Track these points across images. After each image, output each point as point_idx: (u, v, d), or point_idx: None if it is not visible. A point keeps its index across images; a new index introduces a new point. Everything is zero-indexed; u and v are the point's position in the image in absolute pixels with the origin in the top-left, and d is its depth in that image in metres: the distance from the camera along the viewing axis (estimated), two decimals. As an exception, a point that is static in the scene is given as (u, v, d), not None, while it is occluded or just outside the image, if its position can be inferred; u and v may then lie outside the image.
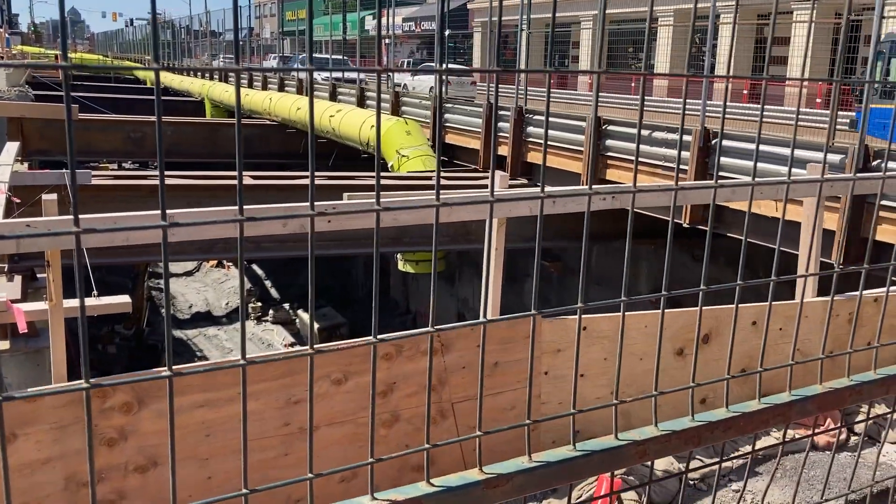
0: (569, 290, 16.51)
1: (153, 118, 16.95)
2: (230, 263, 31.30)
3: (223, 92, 27.42)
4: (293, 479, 1.63)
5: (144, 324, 23.24)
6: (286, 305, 27.36)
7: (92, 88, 28.61)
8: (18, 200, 7.86)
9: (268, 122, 22.58)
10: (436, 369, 5.02)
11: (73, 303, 4.75)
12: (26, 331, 4.76)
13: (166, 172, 15.83)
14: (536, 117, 14.66)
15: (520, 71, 1.32)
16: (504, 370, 5.15)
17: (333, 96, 22.23)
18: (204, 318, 27.05)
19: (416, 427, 4.98)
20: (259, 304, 27.26)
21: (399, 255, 16.18)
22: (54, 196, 4.12)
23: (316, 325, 24.34)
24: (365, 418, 4.87)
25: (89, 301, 4.75)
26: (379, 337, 1.29)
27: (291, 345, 25.16)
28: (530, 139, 14.70)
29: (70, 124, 0.85)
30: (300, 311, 25.60)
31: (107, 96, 26.54)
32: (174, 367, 1.05)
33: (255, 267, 31.44)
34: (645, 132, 12.02)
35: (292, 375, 4.65)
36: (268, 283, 30.29)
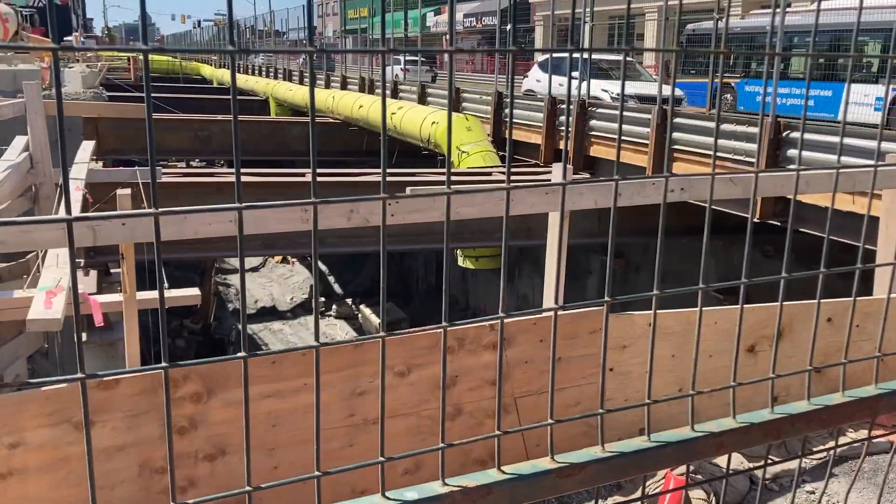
0: (633, 288, 16.27)
1: (220, 117, 17.31)
2: (295, 259, 31.83)
3: (287, 91, 27.86)
4: (362, 463, 1.63)
5: (212, 318, 23.80)
6: (349, 300, 27.69)
7: (161, 89, 29.44)
8: (91, 199, 8.11)
9: (330, 121, 22.84)
10: (497, 364, 4.99)
11: (147, 295, 4.89)
12: (102, 323, 4.91)
13: (231, 170, 16.07)
14: (599, 110, 14.47)
15: (589, 50, 1.29)
16: (568, 365, 5.10)
17: (395, 94, 22.36)
18: (269, 313, 27.58)
19: (478, 421, 4.97)
20: (322, 298, 27.66)
21: (458, 251, 16.17)
22: (128, 191, 4.23)
23: (376, 320, 24.61)
24: (428, 410, 4.89)
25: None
26: (450, 324, 1.28)
27: (326, 344, 25.38)
28: (593, 132, 14.52)
29: (149, 103, 0.86)
30: (363, 307, 25.86)
31: (176, 97, 27.24)
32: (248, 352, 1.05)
33: (318, 263, 31.85)
34: (713, 124, 11.75)
35: (357, 367, 4.69)
36: (331, 279, 30.70)
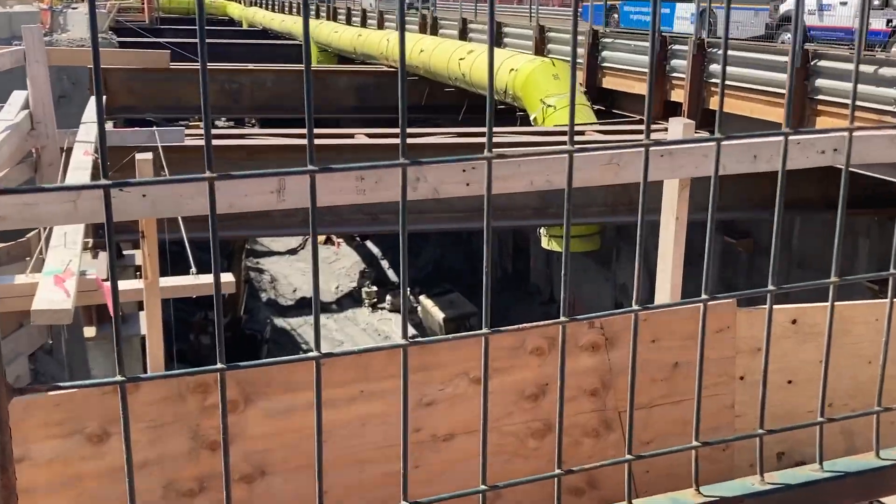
0: (763, 275, 15.91)
1: (252, 66, 17.54)
2: (340, 240, 32.18)
3: (332, 33, 28.04)
4: (442, 495, 1.61)
5: (242, 311, 24.28)
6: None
7: (181, 33, 30.00)
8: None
9: (385, 69, 22.91)
10: (597, 370, 4.95)
11: (170, 281, 4.98)
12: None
13: (270, 130, 16.26)
14: (721, 51, 14.14)
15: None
16: (687, 373, 5.01)
17: (464, 34, 22.27)
18: (310, 305, 27.86)
19: (573, 439, 4.93)
20: (374, 288, 27.93)
21: (543, 231, 16.10)
22: (149, 156, 4.31)
23: (440, 315, 24.76)
24: (511, 426, 4.86)
25: (188, 280, 4.97)
26: (493, 329, 1.24)
27: (412, 338, 25.58)
28: (714, 80, 14.20)
29: (203, 46, 0.84)
30: (423, 298, 26.00)
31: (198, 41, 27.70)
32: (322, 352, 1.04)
33: (369, 244, 32.20)
34: (867, 68, 11.35)
35: (425, 371, 4.68)
36: (384, 264, 30.95)
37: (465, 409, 4.74)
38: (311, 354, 1.07)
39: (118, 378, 0.95)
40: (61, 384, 1.04)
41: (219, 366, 1.00)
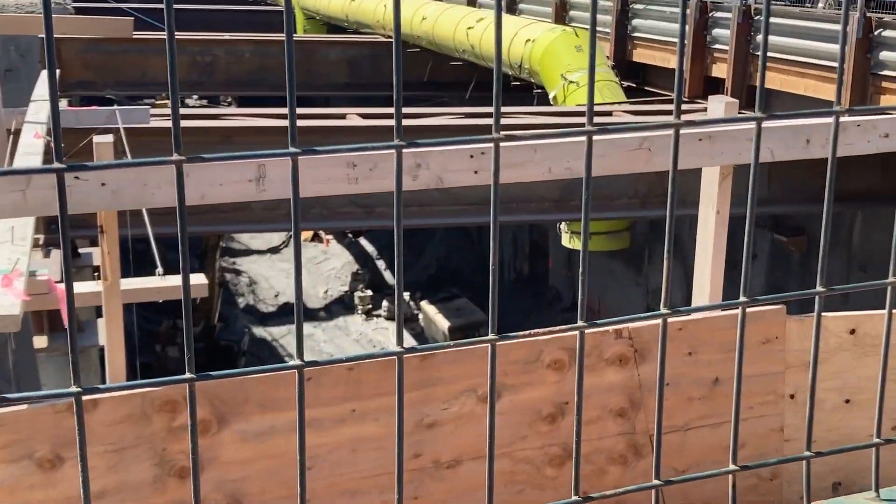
0: (816, 276, 15.90)
1: (228, 35, 17.52)
2: (329, 237, 32.24)
3: (320, -3, 28.06)
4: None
5: (216, 318, 24.33)
6: (406, 295, 27.91)
7: (147, -2, 30.04)
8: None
9: (381, 39, 22.92)
10: (626, 386, 4.97)
11: (133, 284, 5.00)
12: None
13: (248, 110, 16.33)
14: (772, 20, 14.13)
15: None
16: (729, 390, 5.01)
17: (473, 1, 22.30)
18: (294, 311, 28.02)
19: (597, 467, 4.95)
20: (368, 292, 27.97)
21: (563, 226, 16.11)
22: (109, 138, 4.33)
23: (445, 324, 24.80)
24: (524, 451, 4.88)
25: (153, 282, 4.99)
26: (500, 336, 1.25)
27: (411, 349, 25.61)
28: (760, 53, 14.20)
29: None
30: (425, 304, 26.03)
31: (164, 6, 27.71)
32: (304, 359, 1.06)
33: (363, 241, 32.25)
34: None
35: (426, 387, 4.70)
36: (380, 265, 30.99)
37: (472, 431, 4.75)
38: (292, 363, 1.09)
39: (73, 389, 0.97)
40: (8, 395, 1.05)
41: (188, 375, 1.02)
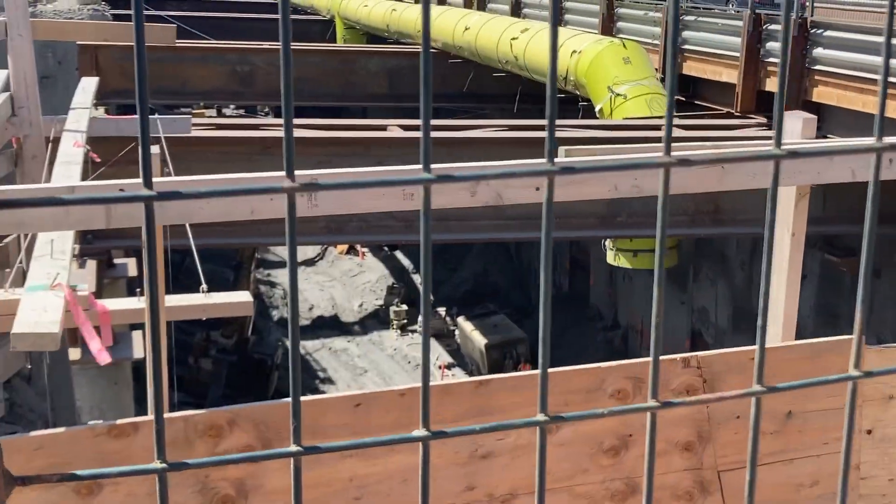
0: (878, 301, 15.59)
1: (267, 44, 17.49)
2: (365, 249, 32.15)
3: (361, 8, 28.06)
4: None
5: (249, 331, 24.28)
6: (441, 310, 27.75)
7: (185, 5, 30.18)
8: (98, 159, 8.25)
9: (421, 50, 22.83)
10: (693, 419, 4.77)
11: (176, 301, 4.85)
12: (111, 343, 4.92)
13: (281, 122, 16.58)
14: (829, 33, 13.87)
15: None
16: (801, 424, 4.82)
17: (517, 10, 22.16)
18: (329, 325, 27.97)
19: (661, 504, 4.75)
20: (404, 307, 27.82)
21: (608, 243, 15.89)
22: (156, 150, 4.20)
23: (482, 341, 24.61)
24: (584, 486, 4.70)
25: (198, 299, 4.85)
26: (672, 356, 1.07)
27: (448, 367, 25.48)
28: (817, 67, 13.93)
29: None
30: (462, 320, 25.84)
31: (206, 15, 27.85)
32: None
33: (398, 255, 32.14)
34: None
35: (481, 416, 4.54)
36: (416, 278, 30.84)
37: (529, 463, 4.59)
38: (287, 449, 0.91)
39: (157, 465, 0.80)
40: (80, 474, 0.88)
41: (158, 466, 0.85)
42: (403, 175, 1.02)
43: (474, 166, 4.67)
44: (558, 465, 4.62)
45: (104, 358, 4.96)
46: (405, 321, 27.62)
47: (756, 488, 4.00)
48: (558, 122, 12.11)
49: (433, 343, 26.75)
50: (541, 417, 1.14)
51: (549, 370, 4.04)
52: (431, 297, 27.44)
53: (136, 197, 0.79)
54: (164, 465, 0.83)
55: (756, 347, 1.34)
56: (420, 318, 27.32)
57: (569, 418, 1.26)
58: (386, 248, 32.22)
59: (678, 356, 4.61)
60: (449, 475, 4.58)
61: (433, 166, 1.02)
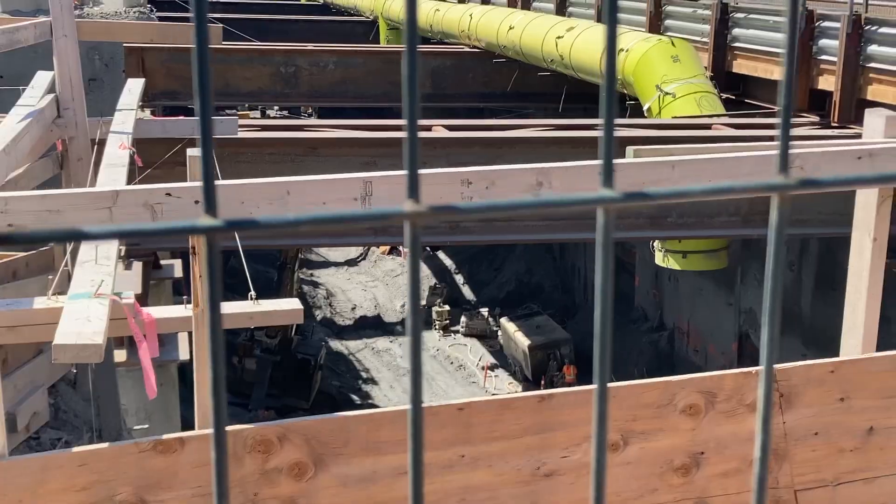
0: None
1: (311, 46, 17.34)
2: (407, 249, 31.94)
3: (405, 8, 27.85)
4: None
5: (293, 331, 24.14)
6: (484, 311, 27.50)
7: (230, 7, 30.18)
8: (141, 163, 8.07)
9: (466, 50, 22.60)
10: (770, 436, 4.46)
11: (226, 308, 4.62)
12: (156, 354, 4.72)
13: (326, 122, 16.09)
14: (884, 30, 13.45)
15: None
16: (884, 441, 4.52)
17: (562, 8, 21.84)
18: (372, 326, 27.80)
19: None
20: (446, 307, 27.59)
21: (657, 244, 15.58)
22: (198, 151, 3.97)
23: (525, 342, 24.33)
24: (653, 506, 4.43)
25: (246, 306, 4.63)
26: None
27: (491, 367, 25.22)
28: (872, 65, 13.52)
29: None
30: (504, 321, 25.57)
31: (250, 17, 27.81)
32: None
33: (441, 255, 31.94)
34: None
35: (544, 433, 4.31)
36: (458, 279, 30.61)
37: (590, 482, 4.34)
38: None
39: None
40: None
41: None
42: (581, 195, 0.76)
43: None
44: (626, 483, 4.36)
45: (156, 352, 4.80)
46: (447, 321, 27.37)
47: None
48: (598, 120, 11.83)
49: (476, 344, 26.52)
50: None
51: (618, 384, 3.73)
52: (448, 307, 27.17)
53: (196, 229, 0.55)
54: None
55: (777, 366, 1.10)
56: (463, 319, 27.10)
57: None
58: (428, 249, 32.01)
59: (753, 369, 4.34)
60: (510, 493, 4.35)
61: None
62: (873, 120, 4.58)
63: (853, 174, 0.83)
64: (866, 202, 4.58)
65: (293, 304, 4.77)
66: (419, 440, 0.74)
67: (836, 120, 13.98)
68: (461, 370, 25.34)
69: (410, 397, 0.77)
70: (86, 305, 4.22)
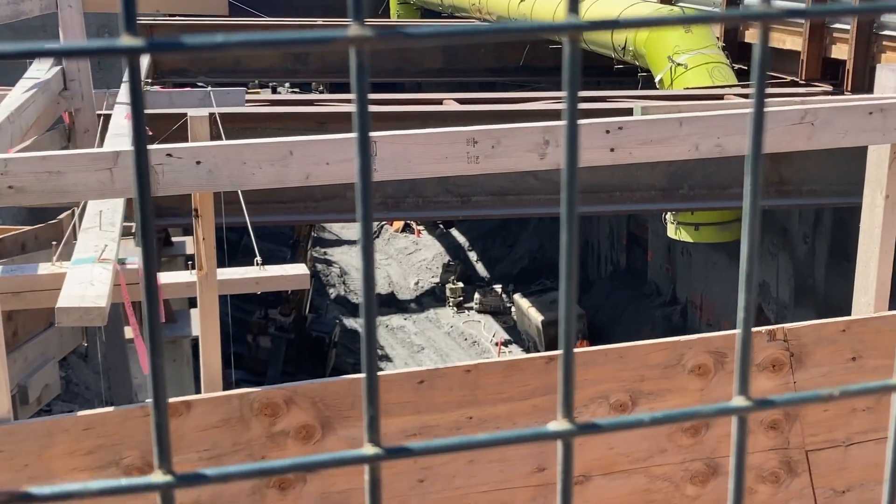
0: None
1: (321, 20, 17.24)
2: (421, 227, 31.95)
3: (414, -19, 27.77)
4: None
5: (307, 309, 24.18)
6: (497, 287, 27.48)
7: (239, -15, 30.04)
8: (150, 131, 8.04)
9: (477, 24, 22.51)
10: (779, 395, 4.43)
11: (230, 274, 4.62)
12: (162, 319, 4.69)
13: (334, 97, 15.84)
14: (898, -2, 13.31)
15: None
16: (897, 401, 4.45)
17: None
18: (385, 303, 27.80)
19: (745, 486, 4.43)
20: (460, 284, 27.59)
21: (669, 217, 15.51)
22: (204, 112, 3.95)
23: (538, 318, 24.28)
24: (662, 467, 4.41)
25: (252, 272, 4.60)
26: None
27: (505, 343, 25.20)
28: (885, 32, 13.39)
29: None
30: (518, 297, 25.54)
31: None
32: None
33: (454, 232, 31.90)
34: None
35: (550, 394, 4.28)
36: (472, 256, 30.59)
37: (603, 443, 4.32)
38: (362, 452, 0.62)
39: (159, 479, 0.52)
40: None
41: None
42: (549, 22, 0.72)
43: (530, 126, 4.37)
44: (635, 444, 4.34)
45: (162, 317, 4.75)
46: (461, 298, 27.37)
47: (847, 467, 3.65)
48: (618, 92, 11.72)
49: (490, 320, 26.51)
50: (561, 427, 0.83)
51: (625, 344, 3.66)
52: (461, 284, 27.11)
53: (117, 48, 0.51)
54: (169, 478, 0.55)
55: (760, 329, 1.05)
56: (477, 295, 27.08)
57: (604, 427, 0.94)
58: (441, 226, 31.96)
59: (764, 329, 4.29)
60: (518, 456, 4.33)
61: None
62: (885, 76, 4.52)
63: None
64: (878, 159, 4.52)
65: (299, 268, 4.74)
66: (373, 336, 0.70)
67: (849, 88, 13.86)
68: (475, 346, 25.35)
69: (363, 296, 0.74)
70: (89, 270, 4.20)
